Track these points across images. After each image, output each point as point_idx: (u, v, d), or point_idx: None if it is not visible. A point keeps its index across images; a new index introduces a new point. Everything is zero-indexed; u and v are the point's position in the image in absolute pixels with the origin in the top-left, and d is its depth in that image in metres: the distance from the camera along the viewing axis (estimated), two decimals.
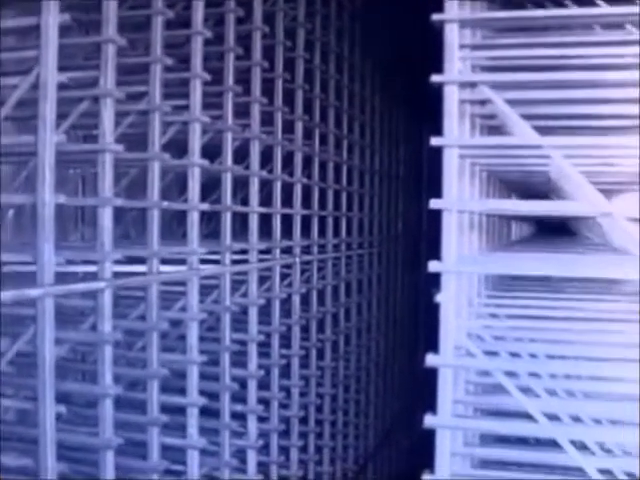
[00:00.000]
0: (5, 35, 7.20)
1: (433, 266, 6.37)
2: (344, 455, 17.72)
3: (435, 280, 6.59)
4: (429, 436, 6.62)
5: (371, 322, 19.72)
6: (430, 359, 6.43)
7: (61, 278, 7.45)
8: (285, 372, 13.42)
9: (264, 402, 12.26)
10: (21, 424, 8.40)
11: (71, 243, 11.28)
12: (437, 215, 6.55)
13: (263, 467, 12.40)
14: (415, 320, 25.56)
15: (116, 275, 8.25)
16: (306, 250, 14.49)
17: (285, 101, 12.92)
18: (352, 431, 18.27)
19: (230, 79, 10.81)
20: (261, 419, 12.23)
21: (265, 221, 12.45)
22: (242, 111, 11.46)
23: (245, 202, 12.05)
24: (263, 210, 12.08)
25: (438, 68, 6.47)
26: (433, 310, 6.60)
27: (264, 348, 12.46)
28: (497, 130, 8.01)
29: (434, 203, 6.35)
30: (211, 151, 10.56)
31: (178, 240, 10.86)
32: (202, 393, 10.05)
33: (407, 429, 22.55)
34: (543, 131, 6.52)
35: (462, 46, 6.54)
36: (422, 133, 23.55)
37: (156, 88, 9.03)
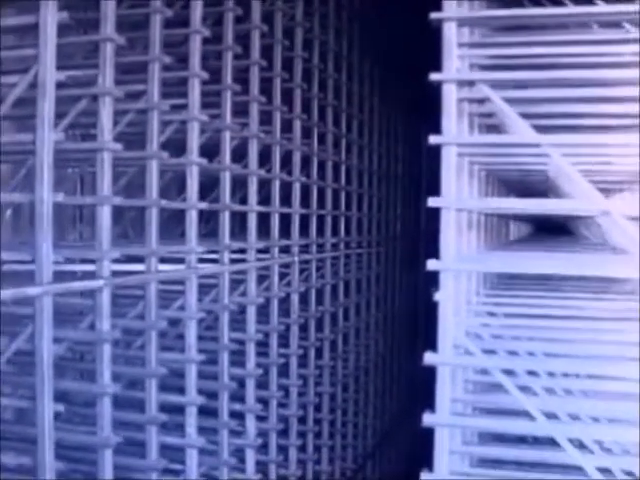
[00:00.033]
0: (4, 34, 7.19)
1: (431, 264, 6.37)
2: (343, 454, 17.73)
3: (434, 280, 6.59)
4: (428, 435, 6.62)
5: (370, 321, 19.72)
6: (428, 357, 6.44)
7: (60, 277, 7.45)
8: (284, 371, 13.42)
9: (263, 401, 12.26)
10: (19, 423, 8.40)
11: (69, 242, 11.28)
12: (436, 215, 6.55)
13: (262, 466, 12.40)
14: (414, 320, 25.57)
15: (115, 274, 8.25)
16: (305, 249, 14.49)
17: (283, 100, 12.93)
18: (351, 430, 18.27)
19: (228, 78, 10.81)
20: (260, 418, 12.23)
21: (264, 220, 12.46)
22: (240, 110, 11.47)
23: (244, 201, 12.05)
24: (262, 209, 12.08)
25: (437, 67, 6.47)
26: (432, 310, 6.60)
27: (262, 347, 12.47)
28: (495, 129, 8.01)
29: (432, 201, 6.35)
30: (209, 150, 10.56)
31: (176, 239, 10.86)
32: (201, 392, 10.05)
33: (406, 429, 22.54)
34: (541, 130, 6.52)
35: (460, 44, 6.53)
36: (421, 133, 23.52)
37: (155, 87, 9.03)
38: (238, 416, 11.48)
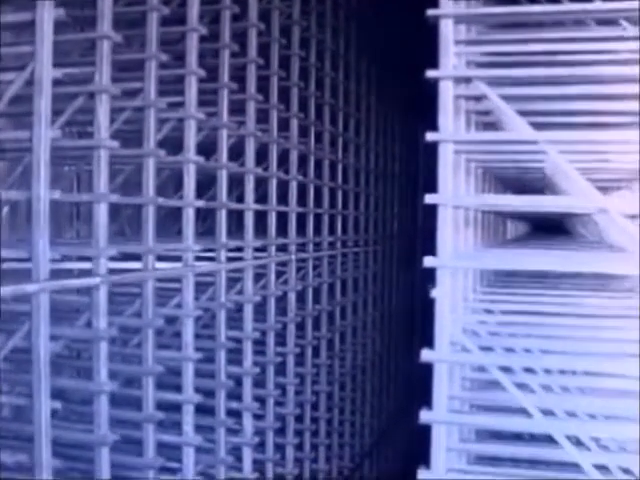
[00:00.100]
0: (1, 31, 7.18)
1: (428, 261, 6.37)
2: (340, 453, 17.73)
3: (431, 277, 6.59)
4: (425, 433, 6.62)
5: (367, 320, 19.73)
6: (425, 354, 6.44)
7: (57, 275, 7.45)
8: (280, 370, 13.42)
9: (260, 399, 12.26)
10: (16, 421, 8.39)
11: (66, 240, 11.27)
12: (433, 213, 6.55)
13: (259, 464, 12.40)
14: (411, 319, 25.58)
15: (111, 272, 8.24)
16: (301, 248, 14.49)
17: (280, 99, 12.93)
18: (348, 429, 18.27)
19: (225, 76, 10.81)
20: (257, 416, 12.23)
21: (260, 219, 12.46)
22: (237, 108, 11.47)
23: (240, 199, 12.05)
24: (258, 207, 12.08)
25: (434, 65, 6.47)
26: (429, 309, 6.61)
27: (259, 346, 12.47)
28: (492, 127, 8.02)
29: (429, 198, 6.36)
30: (206, 148, 10.56)
31: (173, 237, 10.86)
32: (197, 390, 10.04)
33: (403, 427, 22.55)
34: (538, 127, 6.52)
35: (457, 42, 6.54)
36: (418, 131, 23.54)
37: (151, 84, 9.03)
38: (235, 414, 11.48)
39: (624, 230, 6.67)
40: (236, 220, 12.70)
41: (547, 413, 6.51)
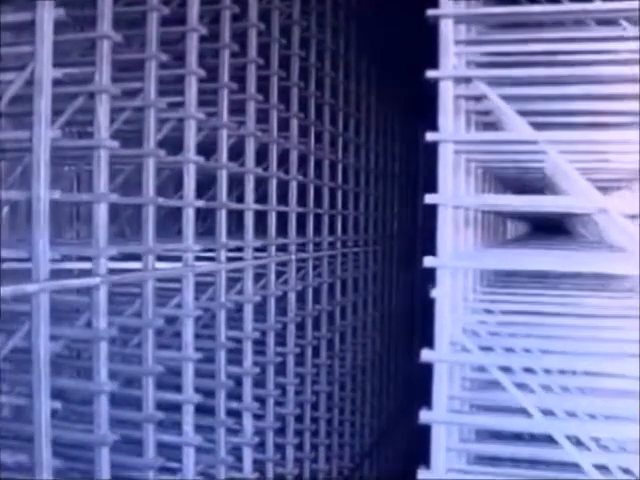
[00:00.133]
0: (1, 31, 7.18)
1: (428, 261, 6.37)
2: (340, 453, 17.73)
3: (431, 277, 6.59)
4: (425, 433, 6.62)
5: (367, 320, 19.73)
6: (425, 354, 6.44)
7: (57, 275, 7.45)
8: (280, 370, 13.41)
9: (260, 399, 12.26)
10: (17, 421, 8.39)
11: (66, 240, 11.27)
12: (433, 213, 6.55)
13: (259, 464, 12.40)
14: (411, 319, 25.58)
15: (111, 272, 8.24)
16: (301, 248, 14.49)
17: (280, 99, 12.93)
18: (348, 429, 18.27)
19: (225, 76, 10.81)
20: (257, 416, 12.23)
21: (260, 219, 12.46)
22: (237, 108, 11.47)
23: (240, 200, 12.05)
24: (258, 207, 12.08)
25: (434, 66, 6.47)
26: (429, 309, 6.60)
27: (259, 346, 12.47)
28: (492, 127, 8.02)
29: (429, 198, 6.36)
30: (206, 148, 10.56)
31: (173, 237, 10.86)
32: (198, 390, 10.04)
33: (403, 427, 22.55)
34: (538, 127, 6.52)
35: (457, 42, 6.54)
36: (418, 131, 23.54)
37: (151, 84, 9.03)
38: (235, 414, 11.48)
39: (624, 230, 6.67)
40: (236, 220, 12.70)
41: (547, 413, 6.51)
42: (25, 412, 7.67)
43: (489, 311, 8.29)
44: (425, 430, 6.58)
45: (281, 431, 13.51)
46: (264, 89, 12.32)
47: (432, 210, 6.55)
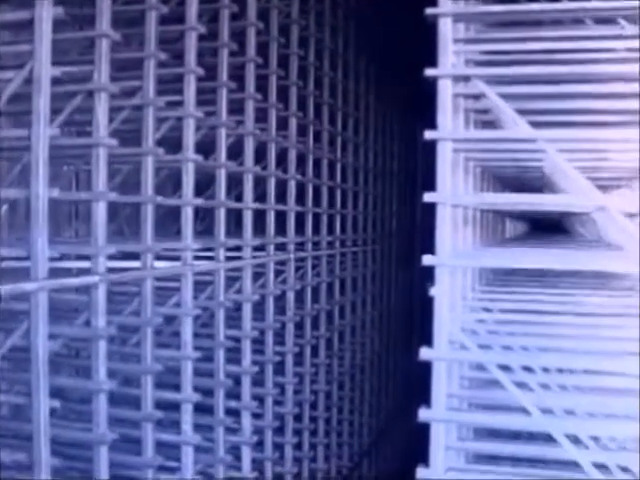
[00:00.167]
0: (0, 29, 7.19)
1: (427, 259, 6.37)
2: (339, 452, 17.73)
3: (429, 276, 6.59)
4: (424, 431, 6.62)
5: (365, 319, 19.73)
6: (424, 353, 6.43)
7: (55, 274, 7.44)
8: (279, 369, 13.42)
9: (258, 399, 12.27)
10: (15, 419, 8.39)
11: (65, 239, 11.27)
12: (431, 212, 6.55)
13: (257, 464, 12.40)
14: (410, 318, 25.58)
15: (110, 271, 8.24)
16: (300, 247, 14.49)
17: (279, 98, 12.93)
18: (346, 428, 18.28)
19: (224, 75, 10.82)
20: (255, 416, 12.23)
21: (259, 218, 12.45)
22: (236, 107, 11.47)
23: (239, 199, 12.05)
24: (257, 206, 12.08)
25: (432, 65, 6.46)
26: (428, 306, 6.60)
27: (258, 345, 12.47)
28: (491, 126, 8.02)
29: (428, 196, 6.35)
30: (205, 147, 10.56)
31: (172, 237, 10.86)
32: (196, 389, 10.05)
33: (402, 425, 22.55)
34: (537, 126, 6.52)
35: (456, 40, 6.54)
36: (416, 130, 23.54)
37: (150, 83, 9.02)
38: (234, 413, 11.48)
39: (623, 229, 6.67)
40: (235, 219, 12.71)
41: (546, 411, 6.50)
42: (24, 411, 7.67)
43: (488, 310, 8.30)
44: (424, 429, 6.58)
45: (280, 430, 13.51)
46: (263, 88, 12.32)
47: (431, 209, 6.54)
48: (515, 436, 7.59)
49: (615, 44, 6.43)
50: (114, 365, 8.85)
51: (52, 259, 7.28)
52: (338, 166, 16.95)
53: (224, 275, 10.98)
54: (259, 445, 12.39)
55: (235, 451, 11.49)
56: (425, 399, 6.56)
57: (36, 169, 6.93)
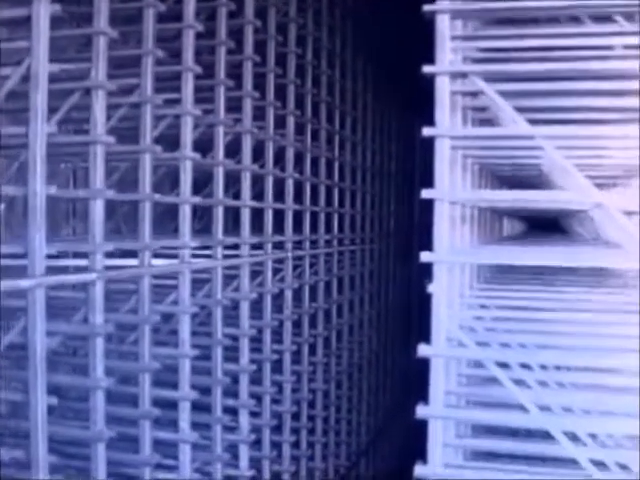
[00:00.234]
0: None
1: (425, 256, 6.37)
2: (336, 451, 17.73)
3: (427, 274, 6.59)
4: (422, 429, 6.62)
5: (363, 318, 19.74)
6: (422, 349, 6.43)
7: (53, 271, 7.43)
8: (277, 367, 13.42)
9: (256, 397, 12.27)
10: (13, 417, 8.38)
11: (63, 237, 11.26)
12: (429, 210, 6.54)
13: (255, 462, 12.39)
14: (407, 317, 25.59)
15: (108, 268, 8.23)
16: (298, 245, 14.49)
17: (277, 96, 12.93)
18: (344, 427, 18.28)
19: (222, 73, 10.81)
20: (253, 414, 12.23)
21: (257, 216, 12.45)
22: (234, 105, 11.46)
23: (237, 197, 12.05)
24: (255, 205, 12.08)
25: (430, 62, 6.46)
26: (426, 304, 6.60)
27: (256, 343, 12.46)
28: (489, 123, 8.01)
29: (426, 193, 6.35)
30: (203, 145, 10.56)
31: (170, 234, 10.85)
32: (194, 387, 10.05)
33: (399, 423, 22.55)
34: (535, 124, 6.52)
35: (453, 37, 6.53)
36: (414, 129, 23.53)
37: (148, 81, 9.03)
38: (231, 412, 11.48)
39: (621, 226, 6.67)
40: (232, 217, 12.70)
41: (544, 409, 6.50)
42: (21, 408, 7.65)
43: (485, 307, 8.30)
44: (422, 426, 6.58)
45: (277, 428, 13.52)
46: (260, 86, 12.32)
47: (429, 207, 6.54)
48: (513, 433, 7.59)
49: (612, 41, 6.43)
50: (111, 363, 8.85)
51: (49, 256, 7.27)
52: (336, 165, 16.95)
53: (222, 273, 10.98)
54: (257, 443, 12.39)
55: (233, 449, 11.49)
56: (423, 396, 6.56)
57: (34, 166, 6.92)
